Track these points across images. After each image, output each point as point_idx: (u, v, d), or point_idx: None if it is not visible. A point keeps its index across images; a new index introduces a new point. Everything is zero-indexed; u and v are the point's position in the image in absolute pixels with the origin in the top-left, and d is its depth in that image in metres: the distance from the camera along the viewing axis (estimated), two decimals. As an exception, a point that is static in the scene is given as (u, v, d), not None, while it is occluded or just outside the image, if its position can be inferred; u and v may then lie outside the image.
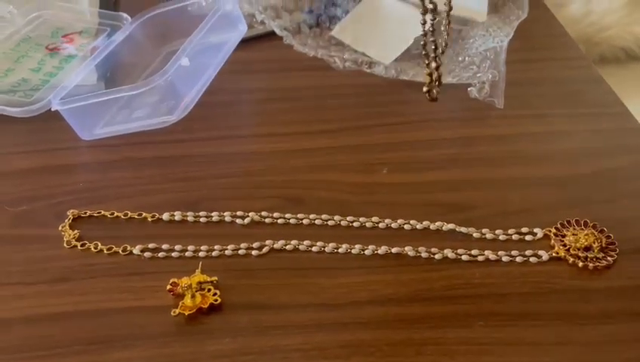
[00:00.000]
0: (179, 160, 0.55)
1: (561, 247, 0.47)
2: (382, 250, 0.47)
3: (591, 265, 0.45)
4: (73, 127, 0.56)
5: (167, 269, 0.46)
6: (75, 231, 0.48)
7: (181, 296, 0.43)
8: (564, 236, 0.47)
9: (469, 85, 0.61)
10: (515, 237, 0.48)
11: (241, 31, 0.64)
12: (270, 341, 0.41)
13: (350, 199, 0.51)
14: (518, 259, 0.46)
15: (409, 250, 0.47)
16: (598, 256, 0.46)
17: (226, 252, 0.47)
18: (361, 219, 0.49)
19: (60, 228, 0.49)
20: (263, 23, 0.69)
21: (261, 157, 0.55)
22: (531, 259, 0.46)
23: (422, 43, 0.47)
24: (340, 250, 0.47)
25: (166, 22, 0.65)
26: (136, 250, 0.47)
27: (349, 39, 0.67)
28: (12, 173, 0.54)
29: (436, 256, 0.46)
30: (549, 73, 0.65)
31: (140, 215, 0.50)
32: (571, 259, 0.46)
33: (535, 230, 0.48)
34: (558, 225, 0.48)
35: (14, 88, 0.60)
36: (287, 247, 0.47)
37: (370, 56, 0.65)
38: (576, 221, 0.48)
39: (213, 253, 0.47)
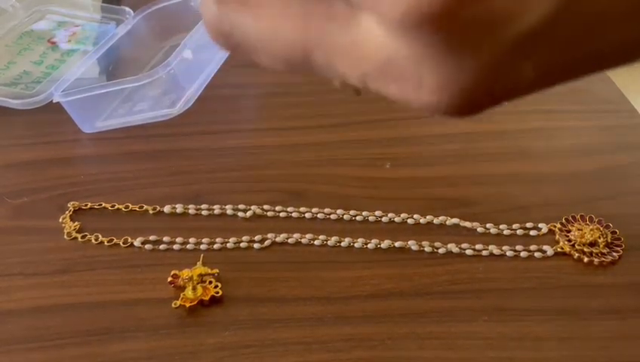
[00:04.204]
0: (181, 153, 0.55)
1: (566, 243, 0.46)
2: (385, 243, 0.46)
3: (596, 260, 0.45)
4: (75, 120, 0.56)
5: (168, 262, 0.45)
6: (76, 223, 0.48)
7: (182, 288, 0.43)
8: (569, 231, 0.47)
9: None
10: (519, 232, 0.47)
11: (245, 25, 0.63)
12: (272, 334, 0.41)
13: (353, 193, 0.51)
14: (523, 254, 0.46)
15: (412, 244, 0.46)
16: (603, 251, 0.45)
17: (228, 245, 0.47)
18: (364, 213, 0.49)
19: (60, 219, 0.48)
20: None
21: (264, 151, 0.55)
22: (536, 254, 0.46)
23: None
24: (342, 244, 0.47)
25: (169, 16, 0.65)
26: (137, 242, 0.47)
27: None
28: (13, 165, 0.54)
29: (440, 251, 0.46)
30: (554, 70, 0.65)
31: (141, 207, 0.50)
32: (576, 255, 0.45)
33: (540, 225, 0.48)
34: (563, 221, 0.48)
35: (16, 81, 0.59)
36: (290, 241, 0.47)
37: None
38: (582, 216, 0.48)
39: (215, 246, 0.47)
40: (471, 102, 0.16)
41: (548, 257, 0.46)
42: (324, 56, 0.17)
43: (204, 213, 0.49)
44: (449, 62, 0.15)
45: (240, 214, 0.49)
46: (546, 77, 0.16)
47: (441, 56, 0.15)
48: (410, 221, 0.48)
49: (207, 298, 0.42)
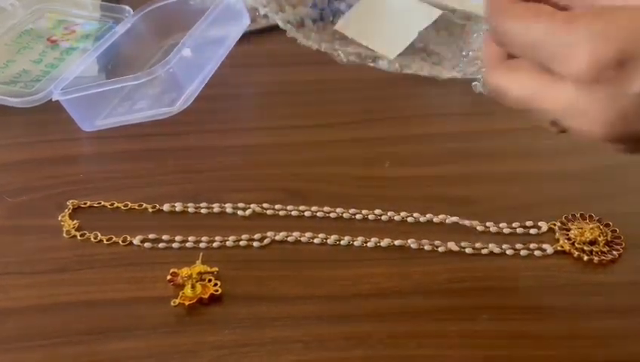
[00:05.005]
0: (180, 152, 0.55)
1: (566, 241, 0.46)
2: (384, 242, 0.46)
3: (596, 258, 0.45)
4: (74, 118, 0.56)
5: (167, 260, 0.45)
6: (75, 222, 0.48)
7: (181, 287, 0.43)
8: (569, 230, 0.47)
9: (474, 80, 0.61)
10: (519, 230, 0.47)
11: (244, 24, 0.63)
12: (271, 332, 0.41)
13: (353, 192, 0.51)
14: (523, 253, 0.46)
15: (412, 243, 0.46)
16: (603, 249, 0.45)
17: (227, 243, 0.47)
18: (363, 212, 0.49)
19: (59, 218, 0.48)
20: (266, 16, 0.69)
21: (263, 150, 0.55)
22: (536, 253, 0.46)
23: None
24: (342, 243, 0.47)
25: (168, 14, 0.65)
26: (136, 241, 0.47)
27: (352, 33, 0.66)
28: (12, 164, 0.54)
29: (439, 249, 0.46)
30: (554, 69, 0.65)
31: (140, 206, 0.49)
32: (576, 253, 0.45)
33: (539, 223, 0.48)
34: (563, 219, 0.48)
35: (15, 79, 0.59)
36: (289, 239, 0.47)
37: (374, 50, 0.64)
38: (581, 215, 0.48)
39: (214, 244, 0.46)
40: (623, 134, 0.28)
41: (548, 256, 0.46)
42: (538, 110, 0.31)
43: (203, 211, 0.49)
44: (609, 104, 0.27)
45: (239, 213, 0.49)
46: None
47: (605, 101, 0.27)
48: (409, 219, 0.48)
49: (206, 296, 0.42)
